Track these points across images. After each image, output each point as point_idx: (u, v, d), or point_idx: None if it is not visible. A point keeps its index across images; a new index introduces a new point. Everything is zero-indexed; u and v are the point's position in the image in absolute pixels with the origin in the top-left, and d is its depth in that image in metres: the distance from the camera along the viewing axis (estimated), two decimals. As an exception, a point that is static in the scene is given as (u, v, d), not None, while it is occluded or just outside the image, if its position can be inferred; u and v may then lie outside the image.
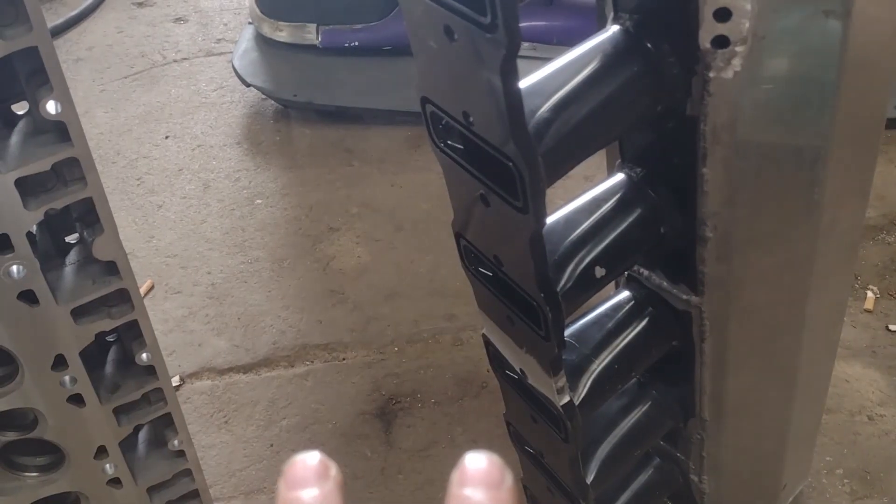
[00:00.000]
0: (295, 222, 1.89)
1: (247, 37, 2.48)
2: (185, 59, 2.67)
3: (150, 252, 1.85)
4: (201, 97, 2.45)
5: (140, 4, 3.01)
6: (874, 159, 0.84)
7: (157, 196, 2.05)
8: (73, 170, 0.94)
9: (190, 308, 1.68)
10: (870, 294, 1.53)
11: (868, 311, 1.50)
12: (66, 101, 0.90)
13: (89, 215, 0.98)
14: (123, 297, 1.05)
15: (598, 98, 0.72)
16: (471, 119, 0.70)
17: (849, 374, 1.40)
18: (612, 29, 0.74)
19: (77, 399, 1.11)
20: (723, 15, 0.66)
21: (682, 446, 1.12)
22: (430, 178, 1.97)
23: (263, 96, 2.34)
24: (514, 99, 0.63)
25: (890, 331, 1.47)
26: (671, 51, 0.72)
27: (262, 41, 2.43)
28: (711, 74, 0.70)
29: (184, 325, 1.64)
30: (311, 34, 2.39)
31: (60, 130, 0.92)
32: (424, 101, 0.76)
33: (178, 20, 2.89)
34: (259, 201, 1.98)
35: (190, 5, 2.97)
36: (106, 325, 1.06)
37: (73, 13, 2.94)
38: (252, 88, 2.32)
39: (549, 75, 0.73)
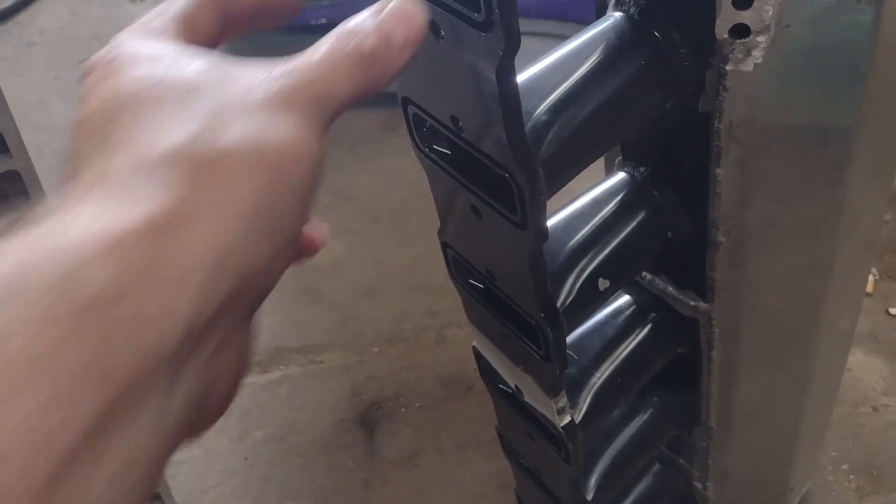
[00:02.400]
0: (264, 215, 1.80)
1: (207, 16, 2.36)
2: (143, 41, 2.55)
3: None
4: (161, 82, 2.34)
5: (93, -16, 2.88)
6: (893, 169, 0.77)
7: (118, 190, 1.95)
8: (13, 185, 0.85)
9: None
10: (869, 276, 1.48)
11: (867, 294, 1.45)
12: (2, 109, 0.80)
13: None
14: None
15: (602, 96, 0.64)
16: (460, 124, 0.62)
17: (851, 363, 1.34)
18: (615, 16, 0.66)
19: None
20: (744, 1, 0.58)
21: (686, 453, 1.06)
22: (406, 163, 1.87)
23: (227, 80, 2.24)
24: (511, 107, 0.55)
25: (890, 314, 1.41)
26: (683, 41, 0.64)
27: (224, 21, 2.32)
28: (729, 67, 0.62)
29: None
30: (274, 12, 2.28)
31: (-4, 142, 0.83)
32: (406, 101, 0.68)
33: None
34: (225, 193, 1.89)
35: (146, -17, 2.84)
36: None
37: (23, -5, 2.80)
38: (214, 72, 2.21)
39: (545, 71, 0.65)
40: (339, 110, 0.35)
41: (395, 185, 1.83)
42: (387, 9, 0.38)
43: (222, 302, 0.29)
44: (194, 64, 0.33)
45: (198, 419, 0.32)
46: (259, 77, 0.33)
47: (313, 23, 2.21)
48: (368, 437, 1.33)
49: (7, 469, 0.22)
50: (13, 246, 0.26)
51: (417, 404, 1.37)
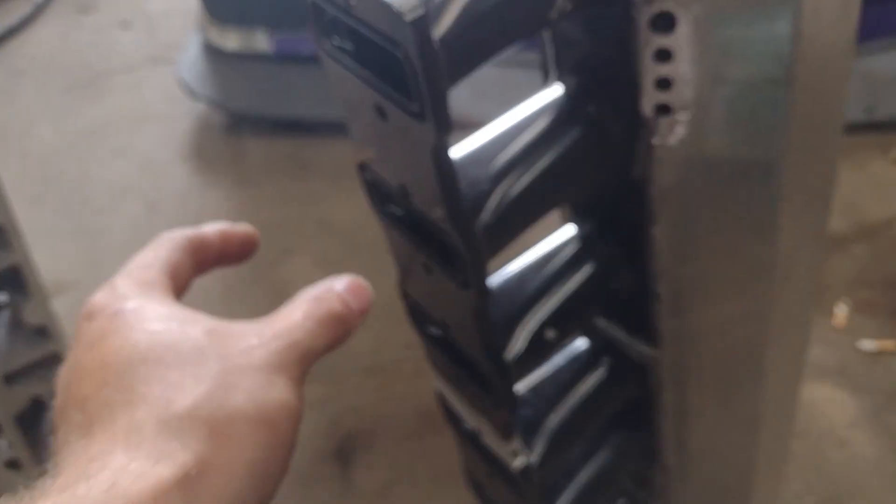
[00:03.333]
0: (248, 245, 1.83)
1: (194, 44, 2.40)
2: (131, 68, 2.59)
3: (95, 281, 1.77)
4: (148, 109, 2.38)
5: (83, 11, 2.92)
6: (827, 212, 0.81)
7: (103, 218, 1.98)
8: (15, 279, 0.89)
9: (139, 342, 1.62)
10: (838, 310, 1.51)
11: (838, 327, 1.49)
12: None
13: (16, 280, 0.93)
14: (57, 360, 0.99)
15: (540, 166, 0.68)
16: (408, 192, 0.66)
17: (817, 396, 1.38)
18: (555, 89, 0.71)
19: (14, 464, 1.06)
20: (664, 83, 0.63)
21: (649, 488, 1.10)
22: (386, 193, 1.91)
23: (213, 108, 2.27)
24: (447, 182, 0.59)
25: (860, 348, 1.45)
26: (614, 116, 0.68)
27: (211, 49, 2.35)
28: (656, 141, 0.66)
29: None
30: (262, 42, 2.32)
31: (-22, 199, 0.87)
32: (362, 167, 0.72)
33: (123, 25, 2.80)
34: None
35: (135, 9, 2.88)
36: (41, 388, 1.01)
37: (14, 21, 2.84)
38: (201, 100, 2.25)
39: (488, 142, 0.69)
40: (313, 363, 0.42)
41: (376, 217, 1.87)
42: (343, 284, 0.49)
43: None
44: (199, 327, 0.39)
45: None
46: (254, 340, 0.39)
47: (305, 54, 2.25)
48: (344, 469, 1.36)
49: None
50: (66, 497, 0.31)
51: (393, 436, 1.40)
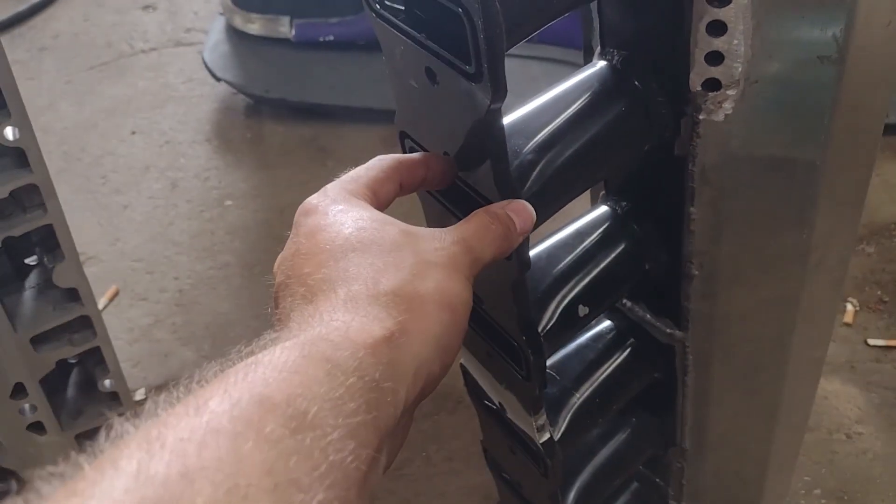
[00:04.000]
0: (266, 225, 1.84)
1: (217, 28, 2.41)
2: (154, 49, 2.60)
3: (116, 256, 1.80)
4: (170, 90, 2.39)
5: (107, -9, 2.93)
6: (863, 198, 0.81)
7: (123, 195, 1.99)
8: (32, 196, 0.89)
9: (156, 316, 1.63)
10: (849, 307, 1.52)
11: (847, 324, 1.49)
12: (24, 126, 0.85)
13: (49, 241, 0.94)
14: (85, 324, 1.00)
15: (584, 138, 0.69)
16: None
17: (828, 391, 1.39)
18: (599, 64, 0.71)
19: (37, 427, 1.06)
20: (715, 58, 0.63)
21: (662, 473, 1.11)
22: (405, 180, 1.92)
23: (234, 91, 2.28)
24: (498, 147, 0.60)
25: (869, 345, 1.46)
26: (660, 90, 0.69)
27: (234, 33, 2.36)
28: (702, 117, 0.67)
29: (150, 335, 1.59)
30: (284, 27, 2.33)
31: (19, 156, 0.88)
32: (403, 135, 0.73)
33: (146, 7, 2.81)
34: (229, 203, 1.93)
35: (159, -8, 2.90)
36: (67, 352, 1.02)
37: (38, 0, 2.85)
38: (223, 83, 2.25)
39: (533, 113, 0.70)
40: (481, 268, 0.51)
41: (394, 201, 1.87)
42: (511, 205, 0.57)
43: (417, 395, 0.44)
44: (395, 228, 0.49)
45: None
46: (437, 243, 0.49)
47: (321, 39, 2.27)
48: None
49: (347, 464, 0.35)
50: (309, 335, 0.40)
51: (407, 416, 1.41)
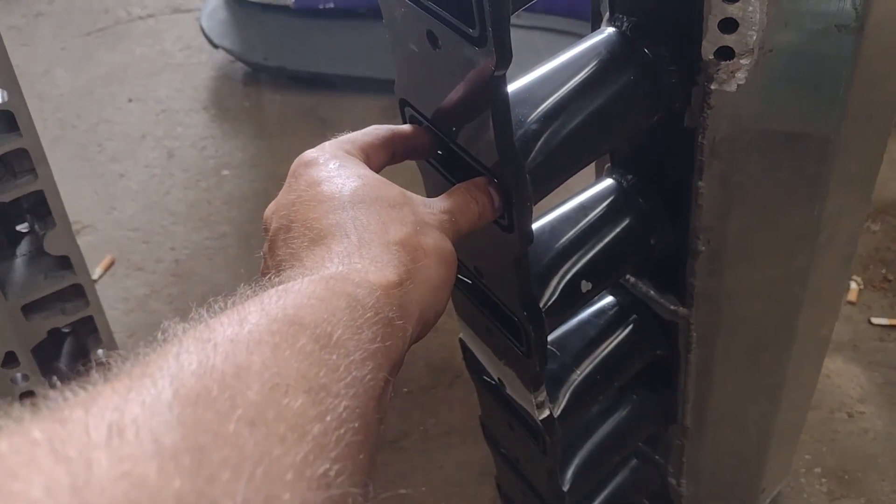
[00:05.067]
0: (264, 195, 1.81)
1: (216, -6, 2.37)
2: (151, 15, 2.55)
3: (111, 225, 1.78)
4: (167, 58, 2.35)
5: (103, -45, 2.88)
6: (875, 175, 0.79)
7: (119, 164, 1.97)
8: (22, 161, 0.87)
9: (152, 286, 1.61)
10: (853, 285, 1.50)
11: (851, 302, 1.48)
12: (13, 89, 0.83)
13: (40, 208, 0.92)
14: (77, 293, 0.99)
15: (591, 108, 0.67)
16: (454, 130, 0.65)
17: (830, 370, 1.38)
18: (608, 31, 0.69)
19: (30, 396, 1.04)
20: (729, 25, 0.61)
21: (662, 450, 1.09)
22: (405, 151, 1.89)
23: (232, 59, 2.25)
24: (502, 116, 0.57)
25: (872, 324, 1.44)
26: (671, 59, 0.66)
27: (232, 0, 2.32)
28: (713, 87, 0.65)
29: (146, 305, 1.58)
30: (283, -7, 2.29)
31: (8, 120, 0.85)
32: (403, 103, 0.70)
33: (143, -27, 2.76)
34: (226, 172, 1.91)
35: (156, -42, 2.84)
36: (59, 321, 1.00)
37: (33, -36, 2.80)
38: (220, 50, 2.22)
39: (537, 81, 0.68)
40: (461, 235, 0.56)
41: (393, 171, 1.84)
42: (491, 185, 0.60)
43: (417, 335, 0.49)
44: (395, 188, 0.53)
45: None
46: (428, 209, 0.53)
47: (321, 7, 2.22)
48: (356, 419, 1.36)
49: (367, 381, 0.40)
50: (331, 271, 0.44)
51: (405, 389, 1.40)
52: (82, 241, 1.84)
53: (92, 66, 2.33)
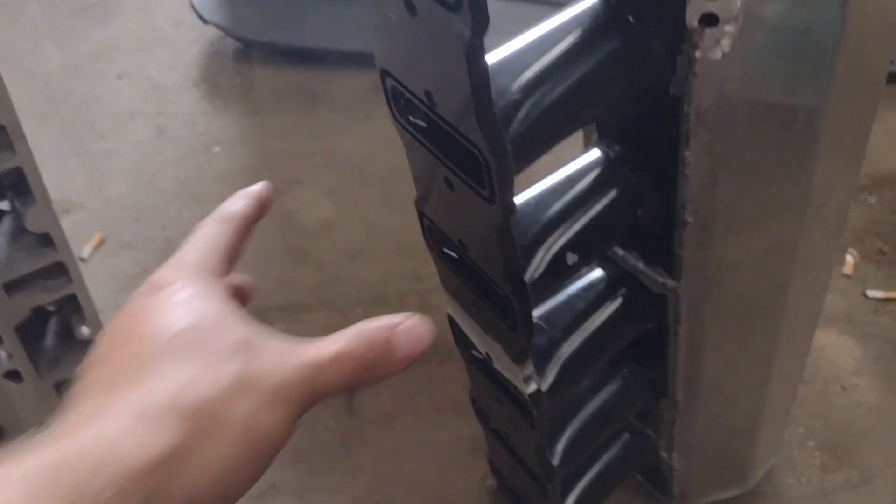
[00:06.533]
0: (255, 173, 1.80)
1: (205, -31, 2.34)
2: (140, -9, 2.52)
3: (101, 203, 1.76)
4: (157, 34, 2.33)
5: (92, -70, 2.84)
6: (864, 146, 0.78)
7: (109, 142, 1.95)
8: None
9: (143, 265, 1.60)
10: (848, 258, 1.49)
11: (846, 275, 1.47)
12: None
13: (20, 185, 0.90)
14: (61, 270, 0.98)
15: (574, 77, 0.65)
16: (434, 99, 0.63)
17: (824, 343, 1.37)
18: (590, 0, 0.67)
19: (14, 375, 1.04)
20: (714, -10, 0.59)
21: (653, 424, 1.09)
22: (397, 126, 1.88)
23: (223, 34, 2.22)
24: (480, 84, 0.56)
25: (867, 297, 1.43)
26: (655, 27, 0.65)
27: (222, -26, 2.29)
28: (698, 54, 0.64)
29: (136, 283, 1.54)
30: (274, -32, 2.26)
31: (-18, 96, 0.84)
32: (384, 74, 0.69)
33: (132, -52, 2.73)
34: (217, 149, 1.89)
35: (144, -68, 2.81)
36: (42, 298, 0.99)
37: (20, -61, 2.76)
38: (211, 26, 2.19)
39: (519, 50, 0.66)
40: (325, 399, 0.42)
41: (387, 150, 1.83)
42: (403, 326, 0.46)
43: None
44: (233, 336, 0.41)
45: None
46: (276, 364, 0.41)
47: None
48: (348, 396, 1.36)
49: None
50: (62, 453, 0.34)
51: (397, 366, 1.39)
52: (72, 219, 1.83)
53: (81, 43, 2.31)
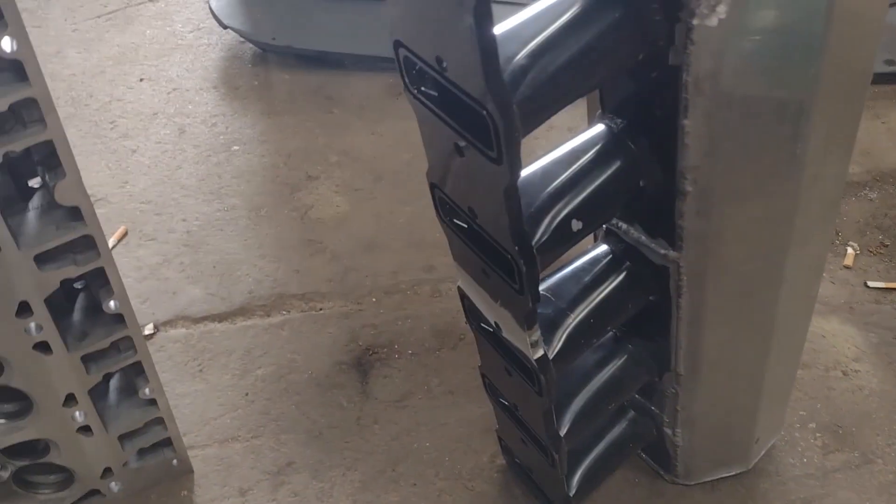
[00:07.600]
0: (272, 170, 1.85)
1: (225, -24, 2.40)
2: (161, -2, 2.59)
3: (124, 198, 1.81)
4: (177, 39, 2.39)
5: (114, -60, 2.92)
6: (859, 113, 0.82)
7: (132, 140, 2.00)
8: (31, 111, 0.90)
9: (164, 255, 1.65)
10: (850, 250, 1.53)
11: (847, 267, 1.50)
12: (21, 37, 0.86)
13: (51, 159, 0.95)
14: (89, 244, 1.02)
15: (577, 45, 0.70)
16: (444, 65, 0.68)
17: (826, 330, 1.40)
18: (594, -28, 0.71)
19: (43, 346, 1.09)
20: (708, -41, 0.63)
21: (657, 400, 1.12)
22: (411, 126, 1.90)
23: (241, 39, 2.28)
24: (488, 45, 0.60)
25: (868, 287, 1.46)
26: (654, -4, 0.69)
27: (241, -19, 2.36)
28: (695, 22, 0.67)
29: (158, 273, 1.61)
30: (291, -25, 2.32)
31: (17, 69, 0.88)
32: (397, 45, 0.73)
33: (153, -43, 2.80)
34: (236, 148, 1.94)
35: (166, -58, 2.88)
36: (71, 271, 1.03)
37: (45, -52, 2.84)
38: (229, 31, 2.25)
39: (526, 20, 0.70)
40: None
41: (399, 147, 1.88)
42: None
43: None
44: None
45: None
46: None
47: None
48: (362, 379, 1.40)
49: None
50: None
51: (410, 351, 1.43)
52: (97, 213, 1.88)
53: (103, 48, 2.37)
